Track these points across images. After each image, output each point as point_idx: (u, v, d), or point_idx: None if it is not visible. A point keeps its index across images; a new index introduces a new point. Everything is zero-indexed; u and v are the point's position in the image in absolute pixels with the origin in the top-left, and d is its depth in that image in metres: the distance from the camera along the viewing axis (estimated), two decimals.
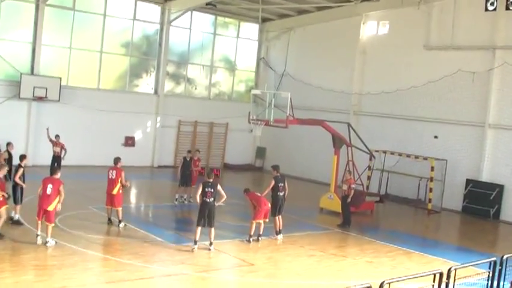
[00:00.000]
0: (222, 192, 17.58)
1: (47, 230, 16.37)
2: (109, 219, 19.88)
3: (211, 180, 17.36)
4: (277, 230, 19.92)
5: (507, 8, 27.23)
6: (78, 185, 26.22)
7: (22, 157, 19.45)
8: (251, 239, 19.07)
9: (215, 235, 17.66)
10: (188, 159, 25.18)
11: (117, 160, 20.21)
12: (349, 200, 22.96)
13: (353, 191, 22.97)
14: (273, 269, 16.55)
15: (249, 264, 16.69)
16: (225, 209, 23.42)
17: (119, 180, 19.76)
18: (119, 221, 19.65)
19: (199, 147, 36.74)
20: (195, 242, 17.23)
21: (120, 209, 19.78)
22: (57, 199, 16.71)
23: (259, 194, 19.72)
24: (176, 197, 24.94)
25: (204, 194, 17.17)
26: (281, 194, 20.32)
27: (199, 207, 17.41)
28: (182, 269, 15.64)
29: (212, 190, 17.23)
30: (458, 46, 29.38)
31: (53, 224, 16.59)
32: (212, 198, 17.25)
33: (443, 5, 30.08)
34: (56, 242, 16.43)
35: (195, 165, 25.56)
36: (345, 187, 23.27)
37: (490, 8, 27.79)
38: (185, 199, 24.93)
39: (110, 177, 19.98)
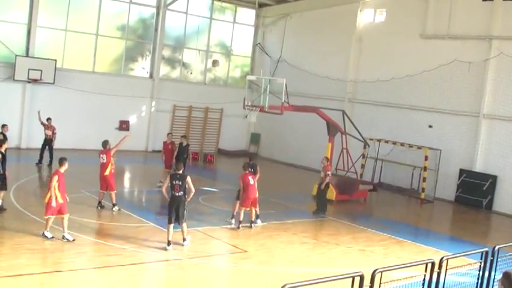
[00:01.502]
0: (191, 185, 16.15)
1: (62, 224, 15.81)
2: (100, 203, 19.89)
3: (180, 172, 16.19)
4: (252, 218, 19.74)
5: None
6: (71, 168, 25.85)
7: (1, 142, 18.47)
8: (239, 225, 19.06)
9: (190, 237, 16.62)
10: (184, 145, 24.95)
11: (105, 143, 20.18)
12: (322, 186, 22.84)
13: (328, 178, 22.74)
14: (266, 256, 16.56)
15: (241, 251, 16.71)
16: (218, 195, 23.52)
17: (110, 163, 19.82)
18: (113, 205, 19.65)
19: (194, 132, 36.86)
20: (168, 243, 15.93)
21: (114, 192, 19.78)
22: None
23: (252, 181, 19.28)
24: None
25: (172, 187, 16.01)
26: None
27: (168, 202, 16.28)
28: (175, 255, 15.65)
29: (180, 183, 15.97)
30: (454, 35, 29.34)
31: (65, 215, 15.87)
32: (181, 192, 15.98)
33: None
34: (74, 240, 15.73)
35: (171, 152, 24.70)
36: (322, 174, 23.16)
37: None
38: None
39: (101, 161, 20.03)
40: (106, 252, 15.14)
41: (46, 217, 15.68)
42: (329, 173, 22.93)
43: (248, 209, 19.22)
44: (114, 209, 19.60)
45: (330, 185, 24.40)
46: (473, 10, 28.79)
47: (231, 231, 18.93)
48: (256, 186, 19.41)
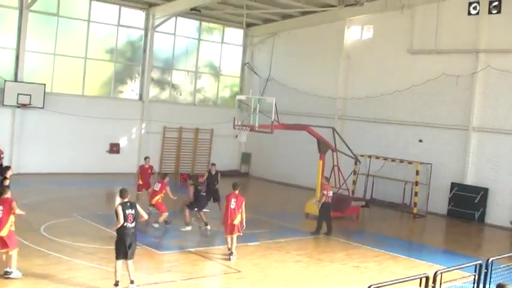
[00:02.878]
0: (143, 212, 14.50)
1: (8, 260, 14.26)
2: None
3: (128, 199, 14.30)
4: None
5: (489, 12, 27.54)
6: (63, 193, 26.14)
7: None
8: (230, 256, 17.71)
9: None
10: (213, 173, 23.98)
11: (165, 175, 22.14)
12: (319, 207, 22.63)
13: (324, 198, 22.41)
14: (260, 276, 16.50)
15: (235, 271, 16.64)
16: (210, 215, 23.43)
17: (163, 192, 21.39)
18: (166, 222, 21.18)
19: (185, 153, 36.82)
20: (116, 284, 13.95)
21: (165, 214, 21.16)
22: (9, 221, 14.20)
23: (232, 205, 17.74)
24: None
25: (124, 217, 13.89)
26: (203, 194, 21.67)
27: (117, 235, 14.17)
28: (169, 277, 15.58)
29: (133, 212, 14.01)
30: (441, 50, 29.54)
31: (14, 250, 14.28)
32: (134, 223, 14.03)
33: (427, 9, 30.21)
34: (22, 274, 14.33)
35: (148, 174, 24.37)
36: (320, 194, 23.04)
37: (473, 11, 28.10)
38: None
39: (155, 188, 21.58)
40: (100, 276, 15.04)
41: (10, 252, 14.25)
42: (325, 192, 22.56)
43: (228, 236, 17.80)
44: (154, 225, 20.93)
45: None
46: (459, 24, 29.01)
47: (224, 251, 18.84)
48: (237, 211, 17.73)
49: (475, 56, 28.33)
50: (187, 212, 21.31)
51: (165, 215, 21.23)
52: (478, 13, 28.03)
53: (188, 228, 21.00)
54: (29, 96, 30.24)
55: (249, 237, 20.10)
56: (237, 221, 17.61)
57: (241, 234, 18.01)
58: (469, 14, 28.33)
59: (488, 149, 27.97)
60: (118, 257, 13.99)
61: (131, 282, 14.03)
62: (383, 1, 30.07)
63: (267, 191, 33.92)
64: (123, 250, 13.91)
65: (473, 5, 28.12)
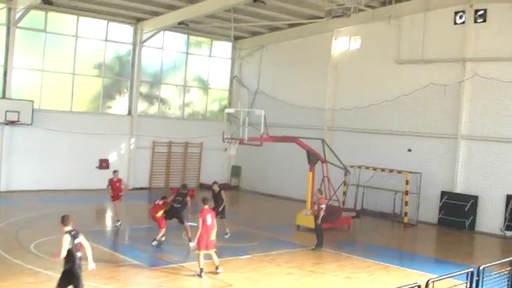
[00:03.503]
0: (86, 242, 13.05)
1: None
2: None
3: (71, 227, 12.87)
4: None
5: (475, 21, 27.83)
6: (53, 210, 25.95)
7: None
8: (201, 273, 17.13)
9: None
10: (217, 192, 23.34)
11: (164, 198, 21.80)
12: (318, 221, 22.09)
13: (322, 212, 22.01)
14: None
15: (227, 285, 16.56)
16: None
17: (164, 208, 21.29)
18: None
19: (175, 167, 36.75)
20: None
21: (163, 230, 21.04)
22: None
23: (209, 221, 17.26)
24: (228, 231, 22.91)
25: (73, 246, 12.52)
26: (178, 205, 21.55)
27: (64, 265, 12.72)
28: None
29: (80, 241, 12.75)
30: (428, 59, 29.69)
31: None
32: (80, 252, 12.69)
33: (413, 19, 30.38)
34: None
35: (118, 188, 24.23)
36: (316, 207, 22.61)
37: (459, 21, 28.41)
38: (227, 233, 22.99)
39: (156, 202, 21.43)
40: None
41: None
42: (323, 206, 22.21)
43: (204, 252, 17.23)
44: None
45: (311, 212, 24.34)
46: (446, 34, 29.19)
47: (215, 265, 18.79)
48: (213, 226, 17.38)
49: (462, 64, 28.48)
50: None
51: (163, 231, 21.07)
52: (464, 22, 28.32)
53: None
54: (17, 113, 30.14)
55: (240, 251, 20.09)
56: (214, 236, 17.33)
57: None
58: (455, 23, 28.65)
59: (477, 157, 28.05)
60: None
61: None
62: (370, 12, 30.19)
63: (258, 203, 33.88)
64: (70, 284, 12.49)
65: (459, 14, 28.43)
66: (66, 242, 12.32)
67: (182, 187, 23.18)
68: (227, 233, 22.64)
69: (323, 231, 22.36)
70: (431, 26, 29.70)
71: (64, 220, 12.81)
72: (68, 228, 12.63)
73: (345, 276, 18.25)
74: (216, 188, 23.44)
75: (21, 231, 21.42)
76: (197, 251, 17.15)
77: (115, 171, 25.09)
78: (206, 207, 17.45)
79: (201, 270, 16.95)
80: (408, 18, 30.63)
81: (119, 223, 23.71)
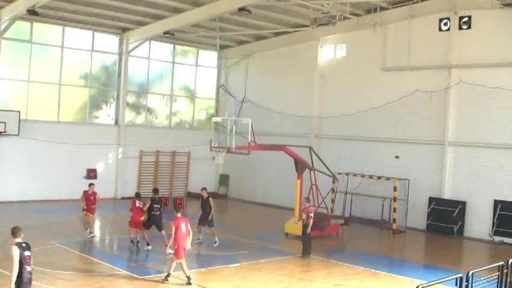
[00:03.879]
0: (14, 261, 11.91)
1: None
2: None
3: (21, 238, 12.31)
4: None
5: (460, 28, 28.05)
6: (41, 220, 25.91)
7: None
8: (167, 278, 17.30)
9: None
10: (205, 198, 23.24)
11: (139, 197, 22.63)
12: (308, 230, 22.02)
13: (311, 220, 21.97)
14: None
15: None
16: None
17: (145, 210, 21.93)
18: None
19: (162, 176, 36.69)
20: None
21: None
22: None
23: (183, 229, 17.26)
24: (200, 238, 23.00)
25: (23, 259, 11.92)
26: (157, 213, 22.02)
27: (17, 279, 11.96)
28: None
29: (30, 253, 12.13)
30: (414, 66, 29.85)
31: None
32: (31, 266, 12.15)
33: (398, 27, 30.55)
34: None
35: (92, 201, 23.82)
36: (304, 216, 22.47)
37: (444, 28, 28.61)
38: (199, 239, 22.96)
39: (137, 205, 22.03)
40: None
41: None
42: (311, 214, 22.14)
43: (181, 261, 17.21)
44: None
45: (301, 222, 24.36)
46: (431, 40, 29.36)
47: (205, 274, 18.77)
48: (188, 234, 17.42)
49: (447, 71, 28.65)
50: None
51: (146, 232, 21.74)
52: (448, 29, 28.51)
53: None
54: (3, 124, 29.99)
55: (230, 259, 20.07)
56: (188, 245, 17.37)
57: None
58: (440, 30, 28.83)
59: (465, 163, 28.18)
60: None
61: None
62: (355, 20, 30.33)
63: (246, 212, 33.85)
64: None
65: (444, 21, 28.62)
66: (16, 254, 11.78)
67: (154, 192, 23.22)
68: (216, 242, 22.64)
69: (311, 239, 22.36)
70: (416, 33, 29.87)
71: (14, 232, 12.29)
72: (18, 240, 12.13)
73: (334, 284, 18.26)
74: (205, 194, 23.38)
75: (9, 242, 21.26)
76: (177, 261, 17.02)
77: (90, 184, 24.82)
78: (179, 215, 17.40)
79: (188, 278, 16.93)
80: (393, 25, 30.80)
81: (91, 235, 23.55)
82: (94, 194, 24.18)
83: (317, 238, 25.04)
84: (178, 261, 16.98)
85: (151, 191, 24.90)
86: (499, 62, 26.96)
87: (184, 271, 16.98)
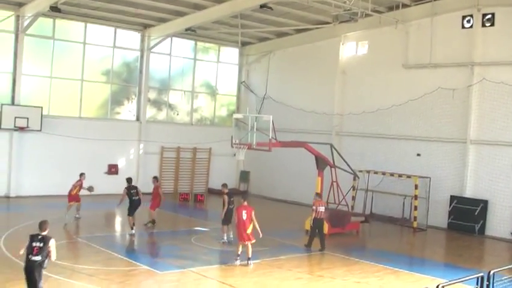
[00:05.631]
0: (54, 250, 13.27)
1: None
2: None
3: (44, 233, 13.30)
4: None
5: (483, 25, 27.81)
6: (61, 215, 26.04)
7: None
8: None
9: None
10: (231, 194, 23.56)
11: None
12: (311, 223, 22.68)
13: (314, 213, 22.37)
14: None
15: None
16: (210, 234, 23.44)
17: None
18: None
19: (183, 173, 36.81)
20: None
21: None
22: None
23: (244, 216, 19.33)
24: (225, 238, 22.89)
25: (29, 249, 13.09)
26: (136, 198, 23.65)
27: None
28: None
29: (41, 245, 13.06)
30: (436, 64, 29.67)
31: None
32: (39, 257, 12.99)
33: (421, 24, 30.39)
34: None
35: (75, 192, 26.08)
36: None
37: (467, 25, 28.40)
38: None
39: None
40: None
41: None
42: (314, 207, 22.46)
43: (242, 243, 19.42)
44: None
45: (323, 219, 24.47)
46: (453, 38, 29.17)
47: (225, 270, 18.84)
48: (248, 221, 19.40)
49: (470, 69, 28.45)
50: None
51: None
52: (471, 26, 28.30)
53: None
54: (26, 119, 30.31)
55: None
56: (249, 230, 19.17)
57: (255, 240, 19.42)
58: (463, 27, 28.64)
59: (486, 161, 27.99)
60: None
61: None
62: (377, 17, 30.21)
63: (267, 208, 33.84)
64: (26, 283, 13.16)
65: (467, 19, 28.41)
66: (25, 245, 13.23)
67: (128, 181, 24.92)
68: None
69: (324, 234, 23.00)
70: (439, 30, 29.70)
71: (39, 225, 13.54)
72: (37, 232, 13.35)
73: (354, 281, 18.22)
74: (225, 191, 23.45)
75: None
76: (241, 243, 19.35)
77: (81, 174, 26.69)
78: (245, 203, 19.70)
79: (248, 259, 19.23)
80: (416, 23, 30.64)
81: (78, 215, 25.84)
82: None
83: (337, 235, 25.07)
84: (241, 243, 19.29)
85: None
86: None
87: (247, 252, 19.14)
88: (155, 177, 27.07)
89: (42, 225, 13.42)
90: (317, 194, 23.78)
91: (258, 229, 19.32)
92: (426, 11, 29.94)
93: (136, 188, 24.40)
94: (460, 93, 28.69)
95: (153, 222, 25.40)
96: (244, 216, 19.27)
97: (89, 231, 23.36)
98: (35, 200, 29.74)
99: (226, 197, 23.01)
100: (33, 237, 13.15)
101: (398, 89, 31.13)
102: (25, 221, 24.54)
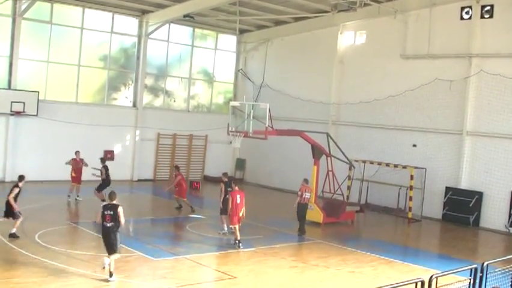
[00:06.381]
0: (122, 216, 15.51)
1: None
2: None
3: (113, 202, 15.67)
4: None
5: (482, 17, 27.79)
6: (57, 200, 26.09)
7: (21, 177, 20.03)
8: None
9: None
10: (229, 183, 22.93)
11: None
12: (295, 205, 23.72)
13: (298, 198, 23.60)
14: (255, 282, 16.49)
15: (231, 277, 16.58)
16: (205, 222, 23.45)
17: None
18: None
19: (179, 159, 36.80)
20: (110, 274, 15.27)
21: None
22: None
23: (238, 200, 20.21)
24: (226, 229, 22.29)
25: (103, 217, 15.52)
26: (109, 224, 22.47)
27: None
28: (164, 284, 15.55)
29: (111, 213, 15.42)
30: (434, 55, 29.65)
31: None
32: (111, 223, 15.40)
33: (419, 14, 30.33)
34: None
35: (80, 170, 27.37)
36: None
37: (465, 16, 28.35)
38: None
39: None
40: (95, 284, 14.99)
41: None
42: (299, 193, 23.62)
43: (235, 225, 20.13)
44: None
45: (316, 207, 24.64)
46: (452, 29, 29.13)
47: (219, 257, 18.89)
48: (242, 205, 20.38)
49: (467, 60, 28.43)
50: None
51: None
52: (470, 18, 28.26)
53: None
54: (22, 104, 30.20)
55: (244, 243, 20.11)
56: (241, 214, 20.21)
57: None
58: (462, 18, 28.58)
59: (482, 153, 28.02)
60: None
61: (111, 275, 15.21)
62: (376, 7, 30.14)
63: (262, 196, 33.90)
64: (104, 246, 15.65)
65: (466, 10, 28.36)
66: (99, 213, 15.68)
67: (102, 161, 27.03)
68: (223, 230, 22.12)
69: (304, 219, 23.88)
70: (437, 21, 29.65)
71: (109, 195, 16.19)
72: (107, 202, 16.03)
73: (348, 271, 18.29)
74: (223, 179, 23.21)
75: (26, 222, 21.42)
76: (232, 226, 20.26)
77: (77, 152, 27.54)
78: (236, 188, 20.52)
79: (238, 241, 19.92)
80: (414, 13, 30.57)
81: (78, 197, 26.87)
82: (82, 160, 26.95)
83: (332, 225, 25.13)
84: (232, 226, 20.15)
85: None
86: None
87: (236, 234, 19.91)
88: (176, 167, 28.56)
89: (111, 195, 15.90)
90: (305, 179, 24.22)
91: (244, 213, 20.44)
92: (425, 2, 29.87)
93: (107, 168, 26.46)
94: (457, 84, 28.69)
95: (180, 207, 26.83)
96: (238, 200, 20.09)
97: (85, 216, 23.35)
98: (31, 185, 29.64)
99: (223, 185, 22.78)
100: (105, 207, 15.59)
101: (396, 80, 31.10)
102: (20, 205, 24.52)
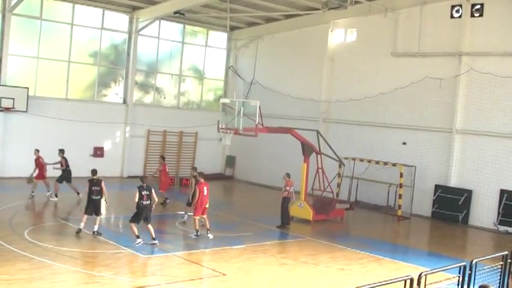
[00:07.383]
0: (155, 195, 19.21)
1: None
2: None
3: (146, 183, 19.14)
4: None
5: (472, 15, 27.87)
6: (46, 197, 25.96)
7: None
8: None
9: None
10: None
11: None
12: (281, 202, 24.29)
13: (286, 193, 24.17)
14: (245, 279, 16.50)
15: (220, 274, 16.58)
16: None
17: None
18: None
19: (169, 156, 36.68)
20: (138, 237, 18.68)
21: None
22: None
23: (205, 192, 21.02)
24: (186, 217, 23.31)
25: (140, 197, 18.73)
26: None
27: (136, 209, 18.97)
28: (154, 281, 15.55)
29: (148, 193, 18.92)
30: (425, 53, 29.71)
31: None
32: (148, 201, 18.92)
33: (410, 13, 30.39)
34: None
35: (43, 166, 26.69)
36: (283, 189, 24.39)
37: (456, 15, 28.41)
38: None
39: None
40: (84, 281, 14.98)
41: None
42: (288, 188, 24.01)
43: (200, 217, 21.07)
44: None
45: (306, 205, 24.69)
46: (442, 27, 29.20)
47: (209, 255, 18.89)
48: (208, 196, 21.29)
49: (458, 59, 28.50)
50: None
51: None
52: (460, 16, 28.32)
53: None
54: (12, 100, 30.04)
55: (234, 240, 20.14)
56: (207, 205, 21.00)
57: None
58: (452, 17, 28.63)
59: (472, 151, 28.11)
60: (135, 222, 18.87)
61: (153, 238, 18.84)
62: (367, 4, 30.18)
63: (252, 193, 33.90)
64: (141, 218, 18.89)
65: (456, 8, 28.41)
66: (137, 193, 18.80)
67: (60, 152, 26.86)
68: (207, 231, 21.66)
69: (287, 212, 24.40)
70: (428, 19, 29.72)
71: (141, 178, 19.66)
72: (141, 184, 19.06)
73: (338, 268, 18.31)
74: (194, 173, 23.43)
75: (15, 218, 21.42)
76: (195, 217, 20.81)
77: (37, 150, 27.07)
78: (202, 180, 21.21)
79: (197, 231, 20.64)
80: (405, 11, 30.63)
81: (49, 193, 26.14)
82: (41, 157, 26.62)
83: (322, 222, 25.17)
84: (195, 217, 20.78)
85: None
86: (511, 51, 26.80)
87: (195, 225, 20.71)
88: (161, 157, 29.37)
89: (144, 178, 19.50)
90: (288, 174, 24.56)
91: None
92: (416, 0, 29.92)
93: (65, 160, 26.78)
94: (447, 82, 28.77)
95: (165, 202, 27.01)
96: (205, 192, 20.90)
97: (73, 213, 23.28)
98: (20, 181, 29.57)
99: (193, 179, 23.33)
100: (141, 188, 18.77)
101: (386, 77, 31.16)
102: (9, 202, 24.47)
